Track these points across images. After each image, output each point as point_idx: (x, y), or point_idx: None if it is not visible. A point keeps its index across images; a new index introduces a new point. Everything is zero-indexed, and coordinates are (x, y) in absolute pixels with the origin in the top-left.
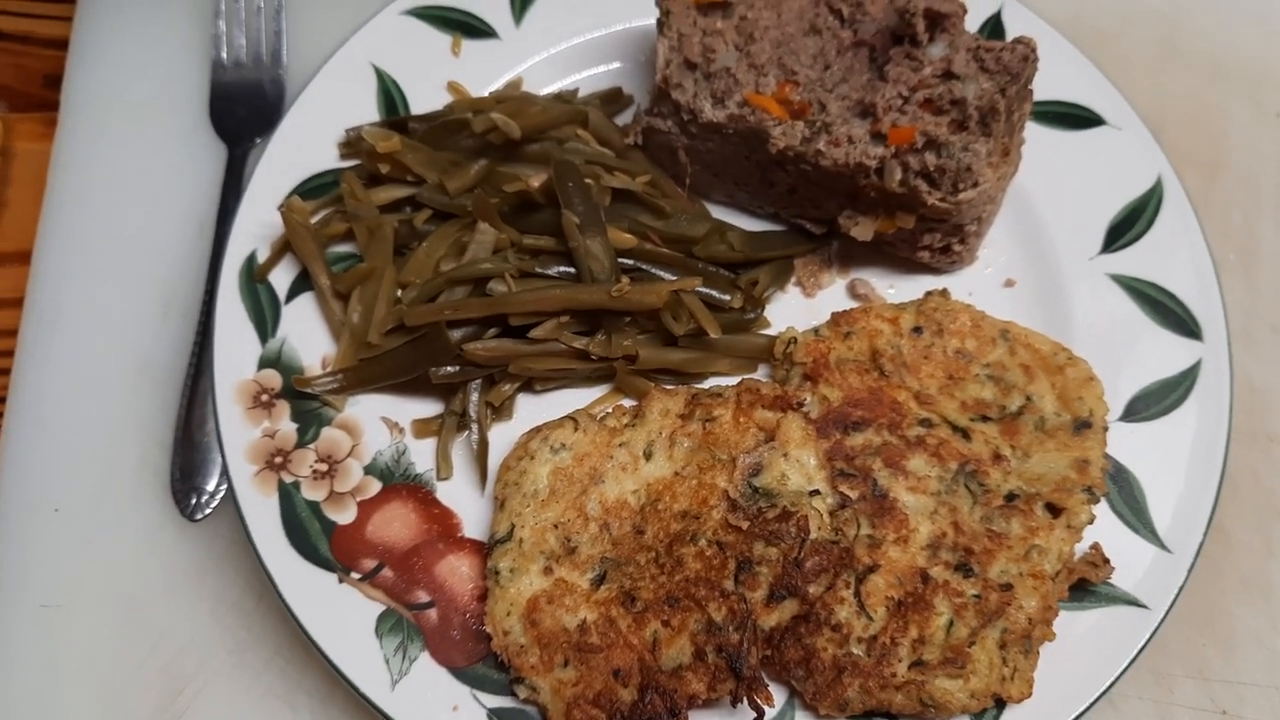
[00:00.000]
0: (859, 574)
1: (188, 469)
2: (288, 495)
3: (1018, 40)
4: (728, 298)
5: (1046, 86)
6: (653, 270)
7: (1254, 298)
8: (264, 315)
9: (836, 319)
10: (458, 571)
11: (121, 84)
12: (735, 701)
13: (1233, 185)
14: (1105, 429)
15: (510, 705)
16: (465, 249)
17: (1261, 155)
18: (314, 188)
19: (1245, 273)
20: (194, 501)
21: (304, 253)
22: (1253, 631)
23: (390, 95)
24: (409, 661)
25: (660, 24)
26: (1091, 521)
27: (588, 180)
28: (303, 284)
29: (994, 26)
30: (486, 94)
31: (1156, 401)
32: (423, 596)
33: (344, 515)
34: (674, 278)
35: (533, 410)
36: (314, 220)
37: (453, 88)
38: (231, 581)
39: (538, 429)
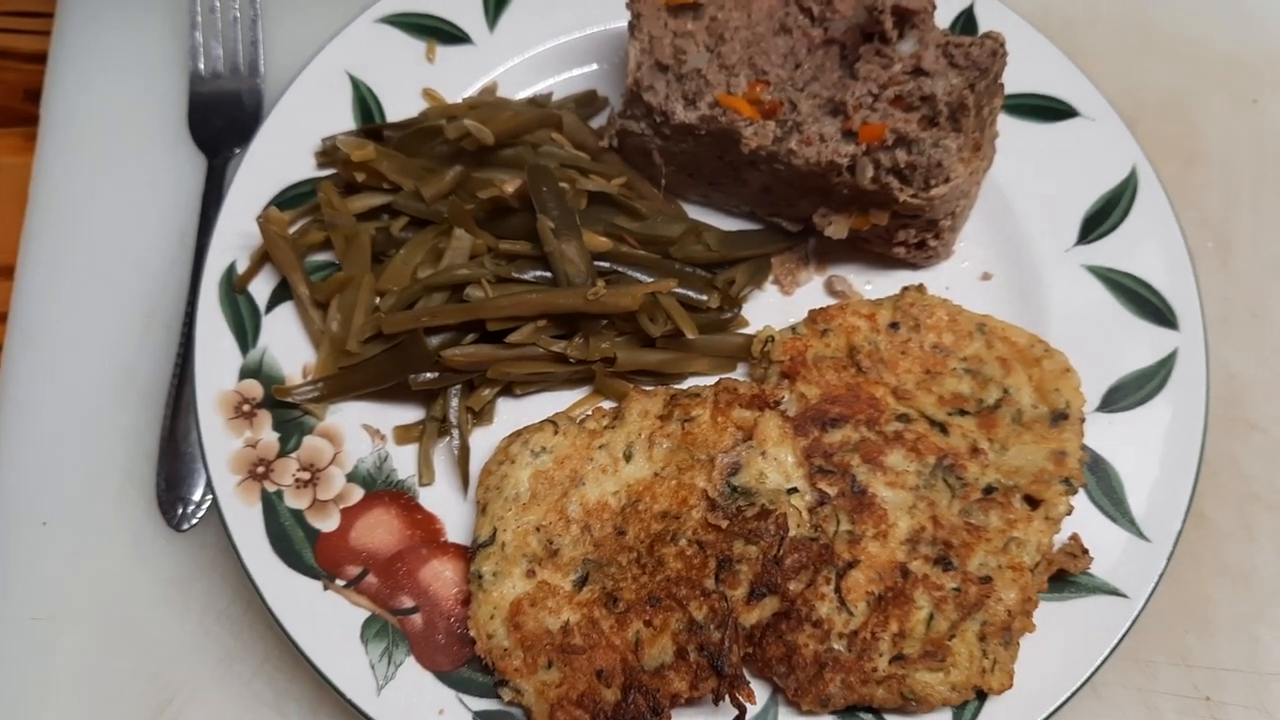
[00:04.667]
0: (839, 570)
1: (173, 480)
2: (271, 504)
3: (986, 35)
4: (705, 298)
5: (1019, 79)
6: (629, 272)
7: (1232, 284)
8: (244, 326)
9: (814, 316)
10: (441, 576)
11: (100, 97)
12: (718, 699)
13: (1209, 172)
14: (1082, 420)
15: (495, 708)
16: (442, 255)
17: (1237, 142)
18: (292, 197)
19: (1223, 260)
20: (180, 512)
21: (282, 263)
22: (1234, 618)
23: (366, 103)
24: (394, 666)
25: (631, 26)
26: (1070, 513)
27: (563, 184)
28: (282, 293)
29: (966, 20)
30: (461, 99)
31: (1133, 391)
32: (407, 602)
33: (327, 523)
34: (650, 279)
35: (513, 414)
36: (292, 230)
37: (427, 94)
38: (219, 590)
39: (518, 433)
